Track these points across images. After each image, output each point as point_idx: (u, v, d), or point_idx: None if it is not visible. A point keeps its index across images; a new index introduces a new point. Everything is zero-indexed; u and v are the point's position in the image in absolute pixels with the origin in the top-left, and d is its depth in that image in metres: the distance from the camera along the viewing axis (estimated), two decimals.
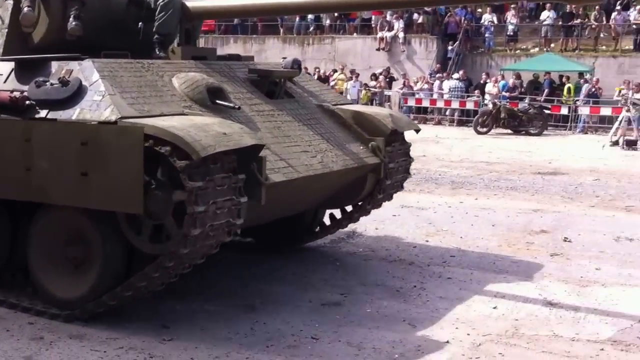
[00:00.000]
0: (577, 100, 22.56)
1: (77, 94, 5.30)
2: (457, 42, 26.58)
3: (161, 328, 5.37)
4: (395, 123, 6.89)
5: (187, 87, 5.75)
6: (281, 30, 30.21)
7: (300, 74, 7.14)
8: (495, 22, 27.20)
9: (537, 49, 26.70)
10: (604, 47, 25.91)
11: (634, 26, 24.94)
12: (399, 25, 27.02)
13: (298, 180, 5.72)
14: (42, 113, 5.40)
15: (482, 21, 27.41)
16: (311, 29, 29.44)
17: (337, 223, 7.52)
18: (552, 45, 26.64)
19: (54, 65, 5.71)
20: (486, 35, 27.19)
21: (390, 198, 7.36)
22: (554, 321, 5.72)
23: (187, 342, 5.13)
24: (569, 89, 23.24)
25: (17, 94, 5.46)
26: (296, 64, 7.11)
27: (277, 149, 5.77)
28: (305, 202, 6.67)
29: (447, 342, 5.23)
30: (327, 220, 7.61)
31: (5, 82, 5.80)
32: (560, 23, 26.41)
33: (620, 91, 21.15)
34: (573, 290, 6.51)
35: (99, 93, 5.25)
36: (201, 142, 4.78)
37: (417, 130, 7.50)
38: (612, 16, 25.39)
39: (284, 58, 7.62)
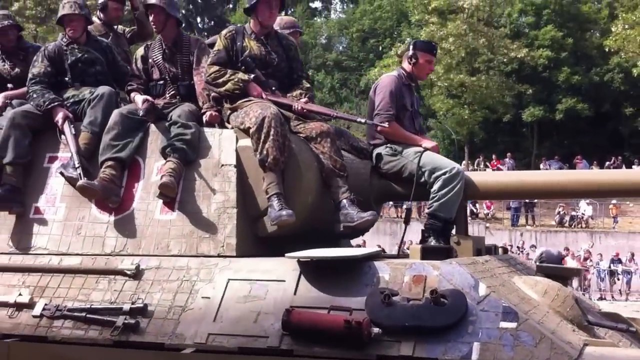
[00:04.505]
0: None
1: (463, 319, 3.72)
2: None
3: None
4: None
5: (553, 300, 4.23)
6: None
7: None
8: None
9: None
10: None
11: None
12: None
13: None
14: (401, 348, 3.70)
15: None
16: None
17: None
18: None
19: (383, 268, 4.01)
20: None
21: None
22: None
23: None
24: None
25: (348, 315, 3.71)
26: (557, 259, 6.10)
27: None
28: None
29: None
30: None
31: (295, 294, 4.05)
32: None
33: None
34: None
35: (509, 317, 3.64)
36: None
37: None
38: None
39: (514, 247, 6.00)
